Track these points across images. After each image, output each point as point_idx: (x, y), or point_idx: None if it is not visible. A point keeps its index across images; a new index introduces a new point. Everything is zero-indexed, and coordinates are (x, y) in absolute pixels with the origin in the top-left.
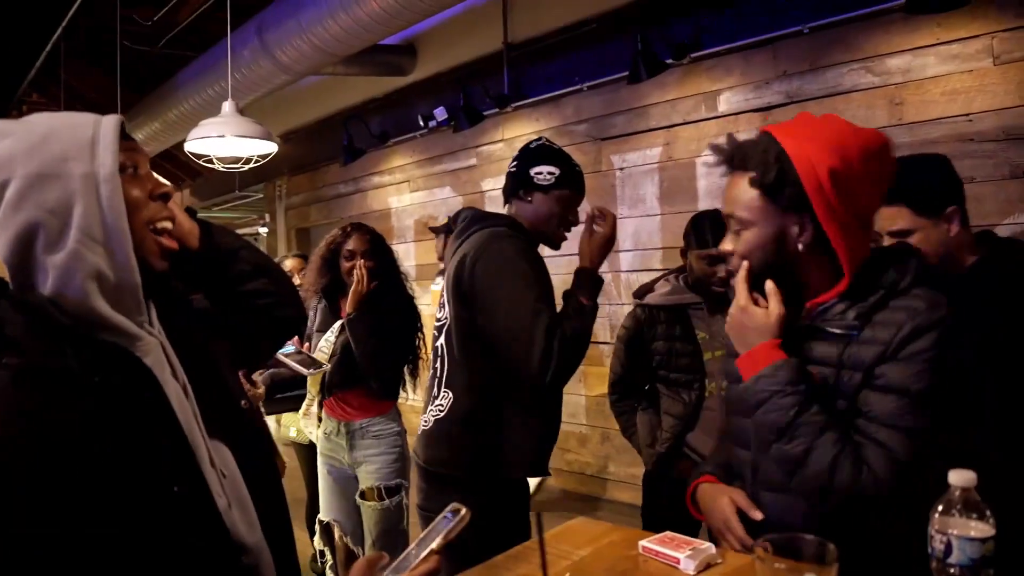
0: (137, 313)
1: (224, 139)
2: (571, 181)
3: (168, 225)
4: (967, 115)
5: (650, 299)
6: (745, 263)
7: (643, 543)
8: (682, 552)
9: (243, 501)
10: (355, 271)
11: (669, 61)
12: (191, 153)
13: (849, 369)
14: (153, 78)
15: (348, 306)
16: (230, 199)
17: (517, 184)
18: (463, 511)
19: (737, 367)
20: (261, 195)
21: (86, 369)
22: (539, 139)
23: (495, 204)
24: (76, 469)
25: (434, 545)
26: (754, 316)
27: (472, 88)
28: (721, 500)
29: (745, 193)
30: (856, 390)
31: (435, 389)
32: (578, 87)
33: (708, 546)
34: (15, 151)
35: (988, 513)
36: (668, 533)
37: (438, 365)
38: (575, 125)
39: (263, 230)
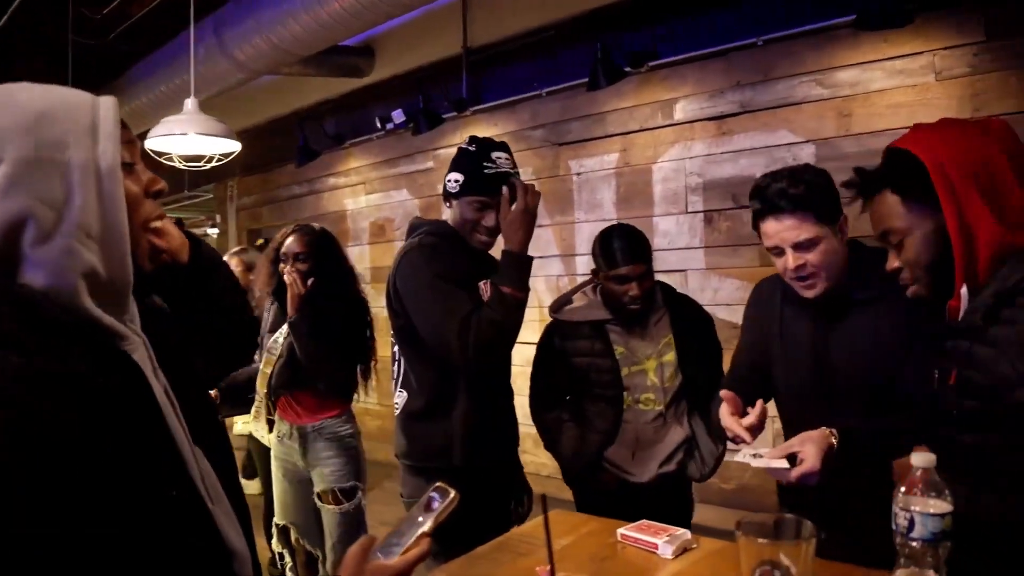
0: (123, 311)
1: (187, 137)
2: (475, 187)
3: (160, 224)
4: (910, 128)
5: (566, 315)
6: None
7: (621, 531)
8: (659, 538)
9: (225, 506)
10: (286, 275)
11: (627, 69)
12: (151, 151)
13: (974, 369)
14: (104, 73)
15: (289, 308)
16: (179, 199)
17: (443, 193)
18: (452, 493)
19: None
20: (211, 195)
21: (90, 370)
22: (466, 141)
23: None
24: (80, 471)
25: (426, 528)
26: None
27: (431, 91)
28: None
29: (889, 206)
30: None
31: (395, 389)
32: (536, 92)
33: (684, 532)
34: (6, 128)
35: (947, 492)
36: (645, 521)
37: (394, 367)
38: (533, 130)
39: (213, 231)
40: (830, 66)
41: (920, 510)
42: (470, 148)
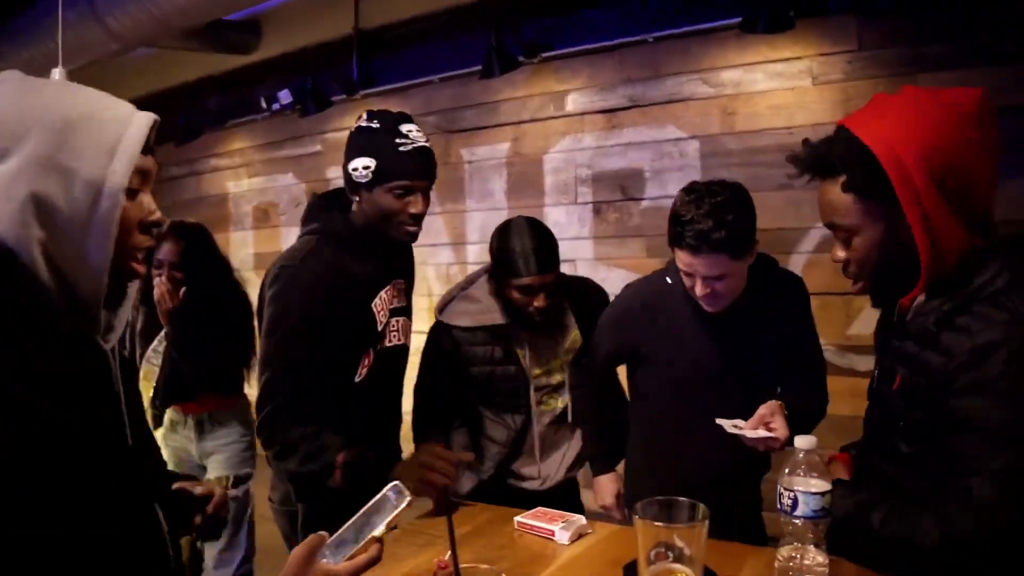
0: (94, 327)
1: None
2: (393, 171)
3: (140, 256)
4: (789, 128)
5: (456, 319)
6: None
7: (518, 519)
8: (556, 525)
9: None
10: (155, 287)
11: (521, 59)
12: None
13: (922, 375)
14: None
15: (161, 320)
16: None
17: (345, 184)
18: (408, 497)
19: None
20: None
21: (78, 367)
22: (360, 118)
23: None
24: (76, 469)
25: (378, 532)
26: None
27: (320, 72)
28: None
29: (840, 199)
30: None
31: None
32: (429, 79)
33: (579, 518)
34: (31, 124)
35: (825, 470)
36: (540, 508)
37: None
38: (425, 117)
39: None
40: (716, 66)
41: (803, 489)
42: (373, 125)
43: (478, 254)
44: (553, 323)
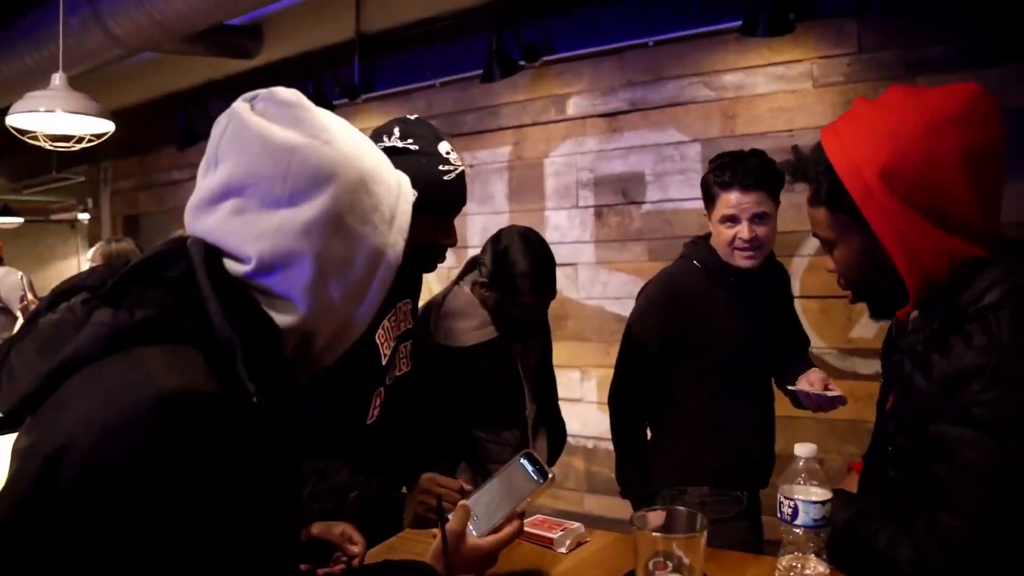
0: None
1: (54, 115)
2: (436, 203)
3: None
4: (789, 131)
5: (464, 341)
6: None
7: None
8: (554, 532)
9: None
10: None
11: (521, 63)
12: (12, 128)
13: (909, 398)
14: None
15: None
16: (46, 181)
17: None
18: (551, 475)
19: None
20: (83, 178)
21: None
22: (391, 135)
23: None
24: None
25: (520, 507)
26: None
27: (321, 77)
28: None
29: (816, 211)
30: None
31: None
32: (430, 83)
33: (578, 526)
34: (332, 172)
35: (826, 478)
36: (539, 516)
37: None
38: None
39: (84, 216)
40: (716, 69)
41: (803, 498)
42: (410, 146)
43: None
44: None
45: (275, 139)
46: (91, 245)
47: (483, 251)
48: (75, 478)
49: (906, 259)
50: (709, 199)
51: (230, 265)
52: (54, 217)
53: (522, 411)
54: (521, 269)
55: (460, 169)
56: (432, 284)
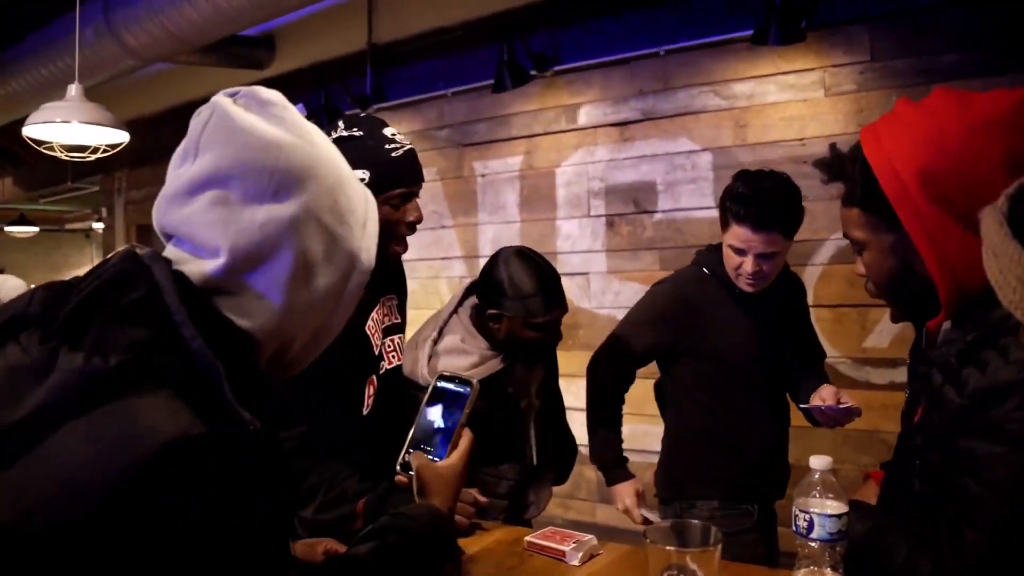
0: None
1: (69, 125)
2: (392, 178)
3: None
4: (801, 139)
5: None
6: None
7: (528, 538)
8: (566, 545)
9: None
10: None
11: (533, 72)
12: (29, 139)
13: (939, 411)
14: None
15: None
16: (61, 191)
17: None
18: (473, 381)
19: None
20: (97, 188)
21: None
22: (336, 127)
23: None
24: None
25: (462, 420)
26: None
27: (333, 87)
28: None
29: (849, 211)
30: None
31: None
32: (442, 92)
33: (590, 538)
34: (315, 176)
35: (841, 491)
36: (551, 528)
37: None
38: (438, 130)
39: (98, 226)
40: (727, 78)
41: (818, 511)
42: (355, 133)
43: None
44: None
45: (264, 134)
46: (106, 254)
47: (482, 282)
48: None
49: (939, 264)
50: (724, 221)
51: (196, 266)
52: (69, 227)
53: (524, 441)
54: (528, 290)
55: (408, 146)
56: (445, 298)
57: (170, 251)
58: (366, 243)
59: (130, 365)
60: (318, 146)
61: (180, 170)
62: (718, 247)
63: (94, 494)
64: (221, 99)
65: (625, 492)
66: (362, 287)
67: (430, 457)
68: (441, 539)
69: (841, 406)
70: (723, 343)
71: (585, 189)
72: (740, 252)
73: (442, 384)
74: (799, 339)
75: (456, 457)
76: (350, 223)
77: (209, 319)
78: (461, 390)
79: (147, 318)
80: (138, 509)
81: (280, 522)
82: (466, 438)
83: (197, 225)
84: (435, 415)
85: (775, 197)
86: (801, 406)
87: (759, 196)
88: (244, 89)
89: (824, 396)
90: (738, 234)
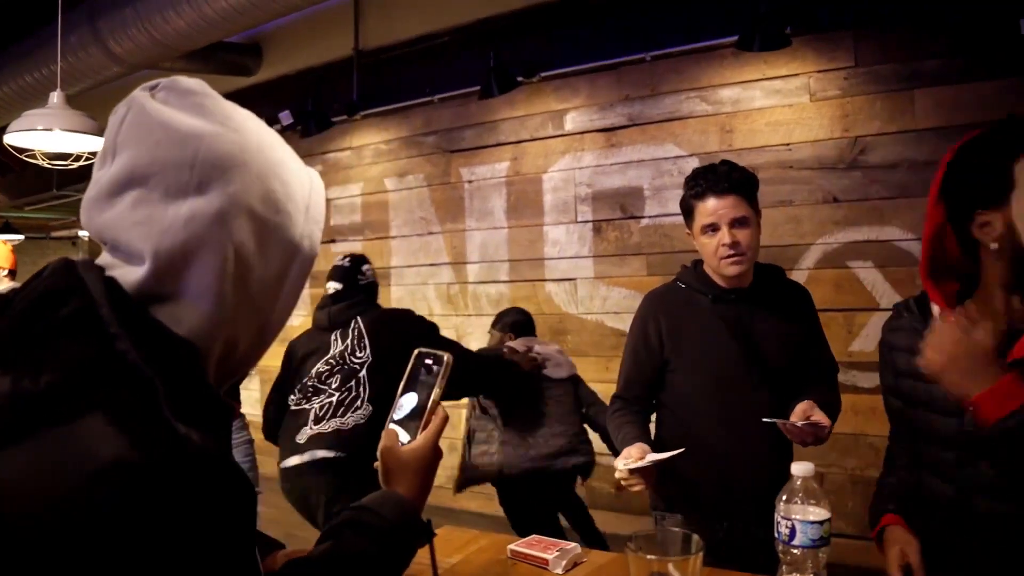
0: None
1: (51, 133)
2: None
3: None
4: (787, 144)
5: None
6: None
7: (511, 547)
8: (550, 553)
9: None
10: None
11: (519, 79)
12: (10, 146)
13: None
14: None
15: None
16: (46, 199)
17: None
18: (445, 357)
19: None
20: (82, 195)
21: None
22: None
23: (341, 214)
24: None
25: (435, 396)
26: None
27: (320, 93)
28: (892, 550)
29: None
30: None
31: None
32: (429, 99)
33: (574, 546)
34: (242, 161)
35: (824, 497)
36: (535, 536)
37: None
38: (425, 136)
39: (84, 233)
40: (713, 83)
41: (800, 518)
42: None
43: (478, 273)
44: None
45: (180, 126)
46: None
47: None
48: None
49: None
50: (688, 214)
51: (128, 273)
52: (55, 234)
53: None
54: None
55: None
56: (433, 303)
57: (104, 258)
58: (308, 229)
59: (62, 386)
60: (245, 132)
61: (100, 172)
62: (696, 263)
63: (32, 526)
64: (138, 93)
65: (632, 448)
66: (307, 274)
67: (401, 440)
68: (403, 530)
69: (804, 423)
70: (701, 355)
71: (572, 195)
72: (713, 228)
73: (419, 359)
74: (803, 351)
75: (422, 440)
76: (288, 211)
77: (145, 330)
78: (434, 365)
79: (80, 334)
80: (74, 541)
81: (235, 541)
82: (438, 418)
83: (122, 228)
84: (410, 394)
85: (723, 166)
86: (764, 420)
87: (708, 171)
88: (164, 80)
89: (796, 412)
90: (705, 209)
